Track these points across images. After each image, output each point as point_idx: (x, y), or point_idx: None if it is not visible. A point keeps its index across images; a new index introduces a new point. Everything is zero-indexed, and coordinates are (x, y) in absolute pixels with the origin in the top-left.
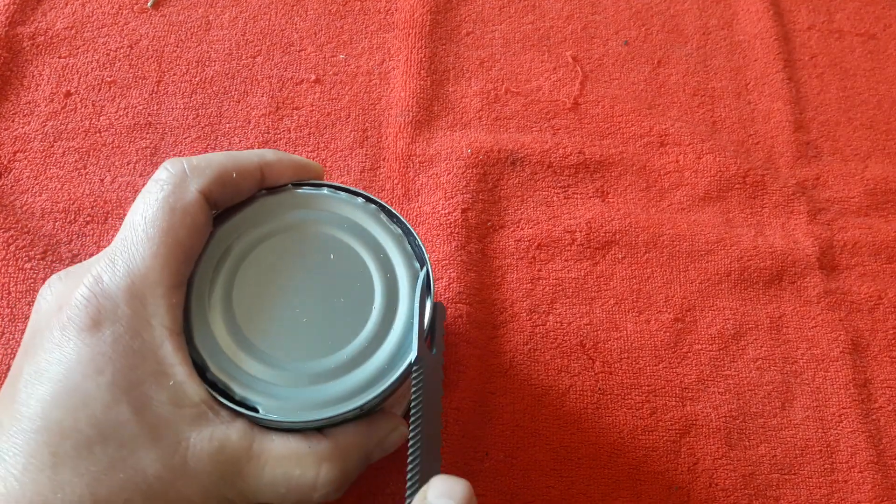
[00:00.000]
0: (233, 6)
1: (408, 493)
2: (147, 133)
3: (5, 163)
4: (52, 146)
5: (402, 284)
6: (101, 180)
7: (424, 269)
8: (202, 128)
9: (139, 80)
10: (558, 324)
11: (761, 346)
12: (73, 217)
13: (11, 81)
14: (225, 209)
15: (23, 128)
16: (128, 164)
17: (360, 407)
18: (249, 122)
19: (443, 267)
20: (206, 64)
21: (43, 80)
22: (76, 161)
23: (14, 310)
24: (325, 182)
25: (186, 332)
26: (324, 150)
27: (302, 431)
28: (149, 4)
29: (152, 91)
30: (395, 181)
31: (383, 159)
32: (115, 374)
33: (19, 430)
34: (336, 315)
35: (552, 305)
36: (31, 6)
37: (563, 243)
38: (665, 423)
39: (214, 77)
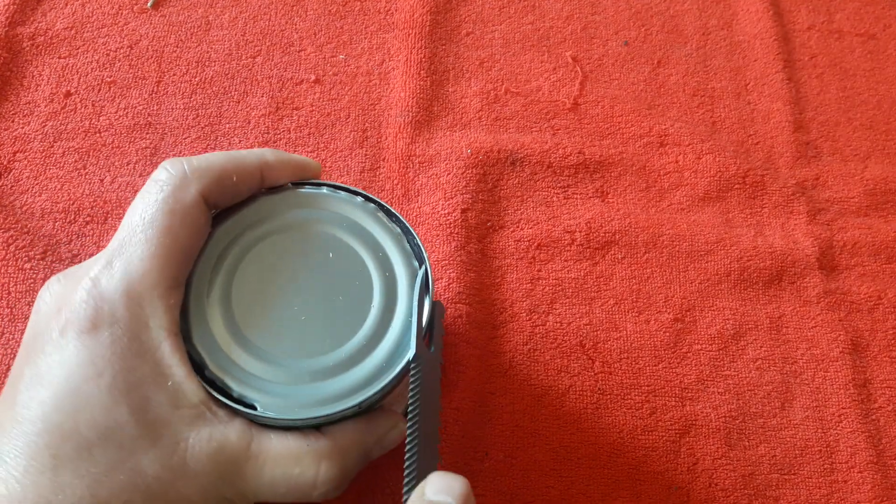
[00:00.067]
0: (233, 6)
1: (405, 489)
2: (147, 133)
3: (5, 163)
4: (52, 146)
5: (400, 283)
6: (101, 180)
7: (423, 267)
8: (202, 128)
9: (139, 81)
10: (558, 324)
11: (761, 347)
12: (72, 217)
13: (11, 82)
14: (224, 209)
15: (23, 128)
16: (128, 164)
17: (359, 404)
18: (249, 123)
19: (442, 267)
20: (206, 64)
21: (43, 80)
22: (76, 161)
23: (14, 310)
24: (325, 181)
25: (185, 331)
26: (324, 150)
27: (300, 430)
28: (149, 5)
29: (152, 91)
30: (395, 181)
31: (383, 159)
32: (115, 377)
33: (20, 433)
34: (335, 313)
35: (552, 305)
36: (31, 6)
37: (563, 243)
38: (665, 423)
39: (214, 77)
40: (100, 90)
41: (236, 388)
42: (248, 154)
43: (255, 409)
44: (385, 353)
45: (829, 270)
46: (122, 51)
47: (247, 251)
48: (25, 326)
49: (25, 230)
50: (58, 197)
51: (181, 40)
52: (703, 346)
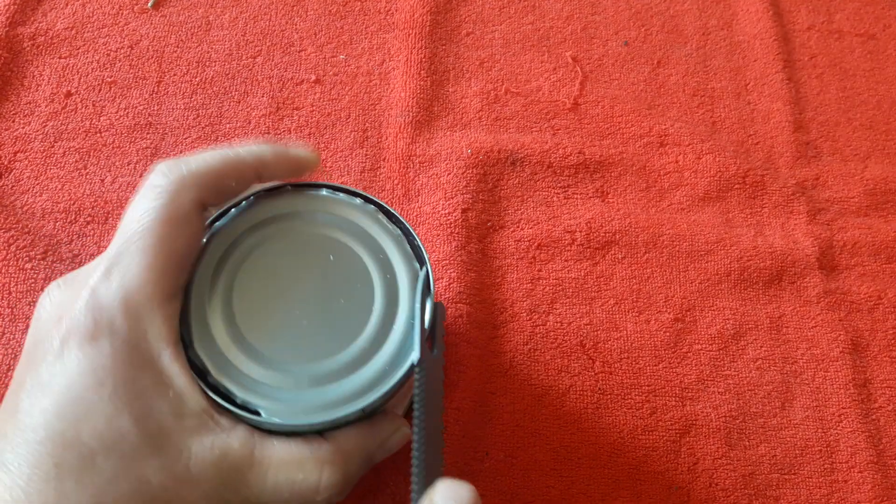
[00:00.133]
0: (233, 6)
1: (413, 495)
2: (147, 133)
3: (6, 163)
4: (53, 146)
5: (402, 285)
6: (102, 180)
7: (424, 269)
8: (202, 128)
9: (139, 81)
10: (558, 324)
11: (761, 346)
12: (73, 217)
13: (12, 82)
14: (222, 210)
15: (23, 128)
16: (128, 164)
17: (363, 409)
18: (250, 123)
19: (443, 267)
20: (207, 64)
21: (43, 80)
22: (77, 161)
23: (14, 310)
24: (324, 182)
25: (187, 337)
26: (324, 150)
27: (303, 435)
28: (149, 5)
29: (153, 91)
30: (395, 181)
31: (383, 159)
32: (116, 386)
33: (23, 440)
34: (336, 317)
35: (552, 305)
36: (32, 6)
37: (563, 243)
38: (665, 423)
39: (215, 77)
40: (100, 90)
41: (240, 394)
42: (246, 154)
43: (259, 415)
44: (388, 356)
45: (829, 270)
46: (122, 51)
47: (246, 255)
48: (26, 326)
49: (26, 230)
50: (58, 197)
51: (182, 40)
52: (704, 345)
